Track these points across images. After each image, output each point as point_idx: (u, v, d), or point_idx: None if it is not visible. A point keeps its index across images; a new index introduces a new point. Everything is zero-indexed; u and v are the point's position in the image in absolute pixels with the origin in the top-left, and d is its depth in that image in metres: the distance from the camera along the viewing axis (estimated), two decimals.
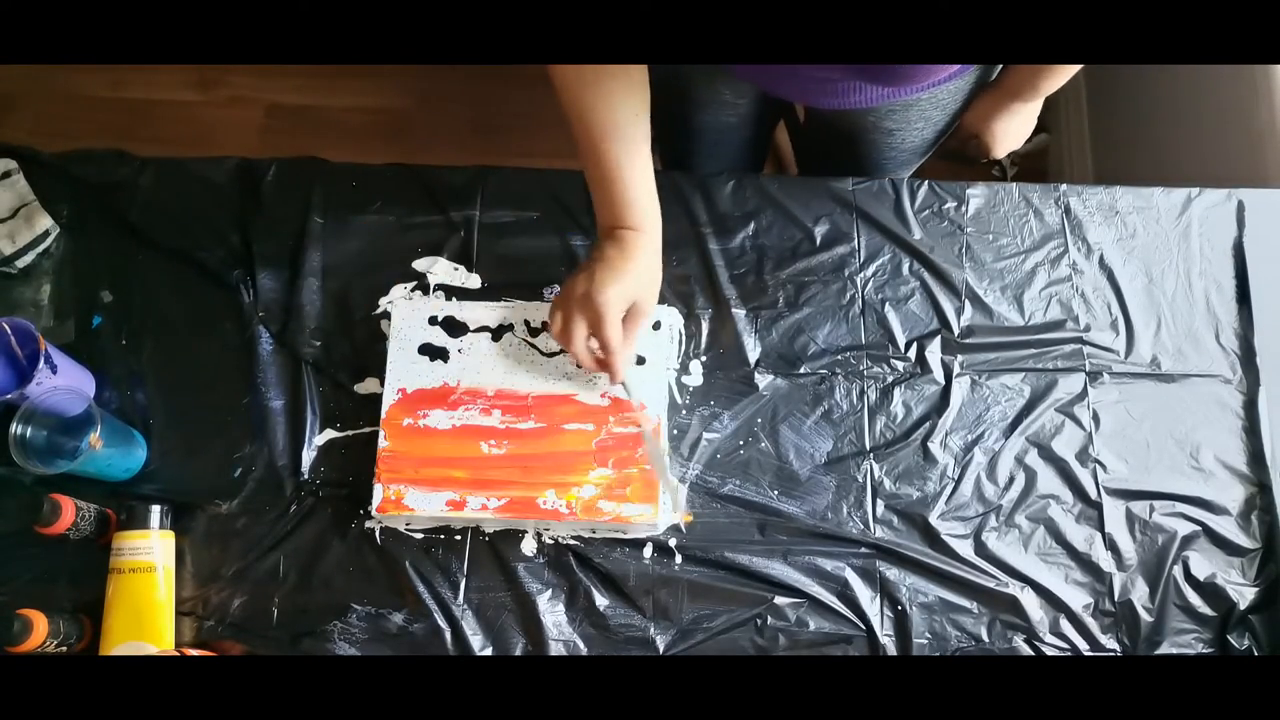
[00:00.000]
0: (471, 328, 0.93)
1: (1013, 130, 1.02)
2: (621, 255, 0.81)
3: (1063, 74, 0.94)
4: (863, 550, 0.88)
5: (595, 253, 0.84)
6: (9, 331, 0.88)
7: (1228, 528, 0.89)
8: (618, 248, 0.82)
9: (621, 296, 0.82)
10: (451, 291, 0.97)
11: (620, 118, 0.79)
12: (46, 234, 0.98)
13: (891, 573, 0.88)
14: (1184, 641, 0.86)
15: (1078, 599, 0.87)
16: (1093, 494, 0.90)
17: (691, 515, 0.89)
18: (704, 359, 0.95)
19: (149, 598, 0.85)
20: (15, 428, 0.83)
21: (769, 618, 0.86)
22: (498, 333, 0.93)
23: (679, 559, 0.88)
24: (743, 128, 1.13)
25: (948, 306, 0.96)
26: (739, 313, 0.96)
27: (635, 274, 0.82)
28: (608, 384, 0.90)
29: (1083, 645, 0.86)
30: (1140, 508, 0.90)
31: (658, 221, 0.84)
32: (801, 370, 0.94)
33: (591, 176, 0.82)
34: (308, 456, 0.91)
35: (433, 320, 0.93)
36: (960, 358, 0.94)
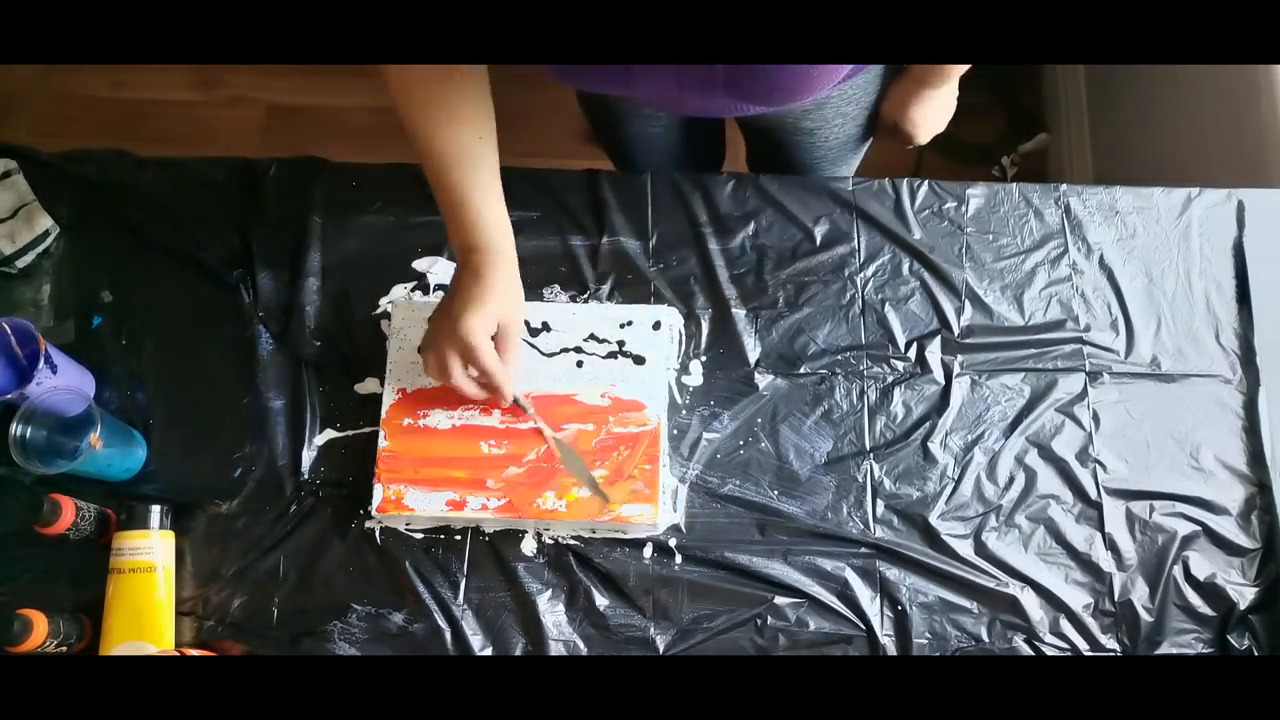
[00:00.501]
0: None
1: (930, 116, 1.01)
2: (477, 281, 0.81)
3: None
4: (863, 550, 0.88)
5: (451, 285, 0.84)
6: (9, 331, 0.88)
7: (1228, 528, 0.89)
8: (472, 274, 0.82)
9: (484, 322, 0.81)
10: None
11: (465, 143, 0.80)
12: (46, 234, 0.98)
13: (891, 573, 0.88)
14: (1184, 641, 0.86)
15: (1078, 599, 0.87)
16: (1093, 494, 0.90)
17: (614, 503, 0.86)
18: (704, 359, 0.95)
19: (149, 598, 0.85)
20: (15, 428, 0.83)
21: (769, 618, 0.86)
22: None
23: (679, 559, 0.88)
24: (671, 135, 1.14)
25: (948, 306, 0.96)
26: (739, 313, 0.96)
27: (494, 297, 0.81)
28: (607, 385, 0.90)
29: (1083, 645, 0.86)
30: (1140, 508, 0.90)
31: (510, 241, 0.84)
32: (801, 370, 0.94)
33: (441, 201, 0.82)
34: (308, 456, 0.91)
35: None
36: (960, 358, 0.94)
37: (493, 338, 0.83)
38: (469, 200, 0.81)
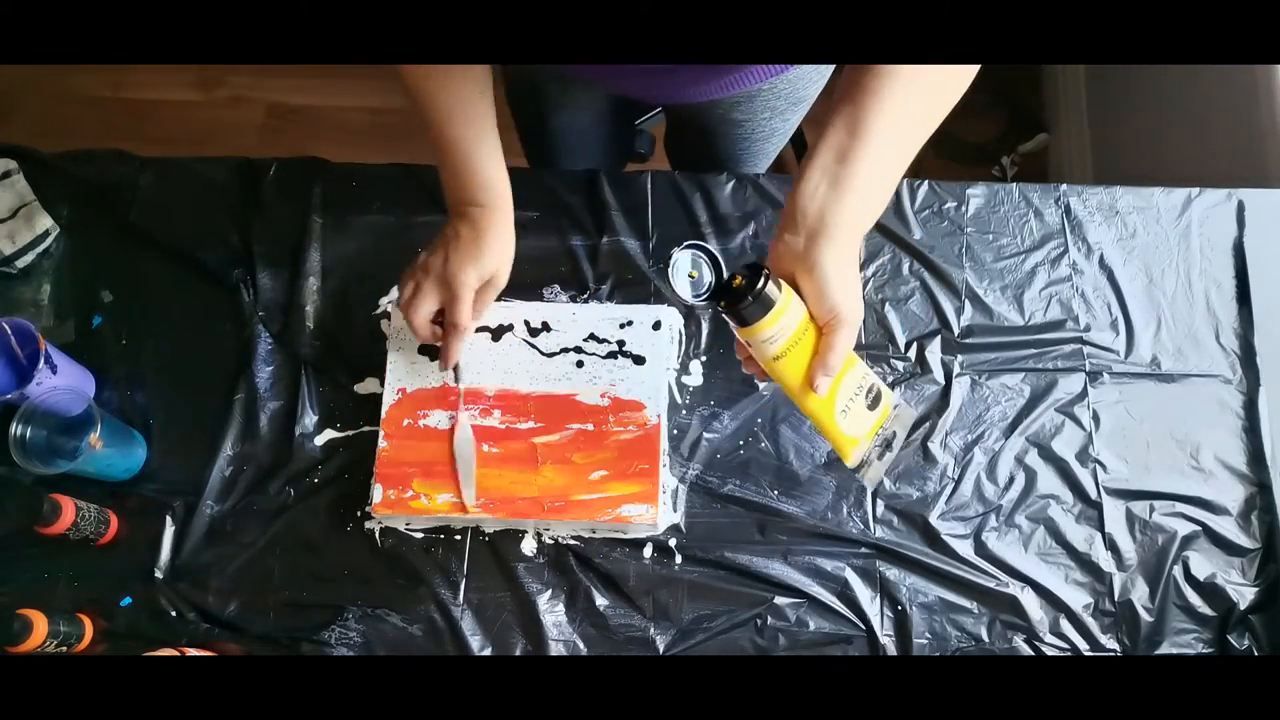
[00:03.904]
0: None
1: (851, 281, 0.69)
2: (475, 234, 0.82)
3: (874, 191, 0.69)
4: (863, 550, 0.88)
5: (449, 230, 0.83)
6: (9, 331, 0.88)
7: (1228, 528, 0.89)
8: (470, 227, 0.82)
9: (478, 277, 0.82)
10: None
11: (466, 96, 0.79)
12: (46, 234, 0.98)
13: (891, 573, 0.88)
14: (1184, 641, 0.86)
15: (1078, 599, 0.87)
16: (1093, 494, 0.90)
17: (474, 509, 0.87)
18: (704, 359, 0.95)
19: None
20: (15, 428, 0.83)
21: (769, 618, 0.86)
22: (498, 333, 0.92)
23: (679, 559, 0.88)
24: (599, 126, 1.14)
25: (948, 306, 0.96)
26: None
27: (490, 254, 0.82)
28: (607, 385, 0.90)
29: (1083, 645, 0.86)
30: (1140, 508, 0.90)
31: (509, 197, 0.84)
32: None
33: (440, 157, 0.82)
34: (307, 456, 0.91)
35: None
36: (960, 358, 0.94)
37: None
38: (471, 155, 0.80)
